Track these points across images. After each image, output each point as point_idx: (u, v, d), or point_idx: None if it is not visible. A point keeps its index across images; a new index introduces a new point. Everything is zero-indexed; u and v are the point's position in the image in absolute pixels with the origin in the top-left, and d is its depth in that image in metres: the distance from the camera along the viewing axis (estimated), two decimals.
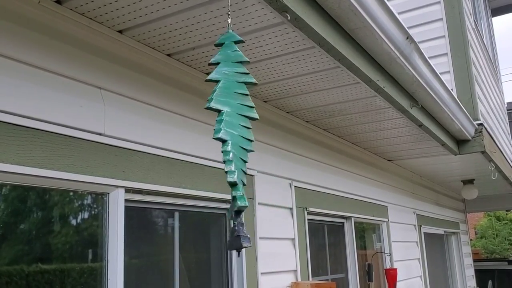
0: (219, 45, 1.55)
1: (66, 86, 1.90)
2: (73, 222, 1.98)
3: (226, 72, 1.50)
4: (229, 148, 1.38)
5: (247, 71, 1.54)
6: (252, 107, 1.51)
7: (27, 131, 1.73)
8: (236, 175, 1.36)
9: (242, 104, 1.49)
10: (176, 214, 2.51)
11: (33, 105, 1.76)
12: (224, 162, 1.38)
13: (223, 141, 1.39)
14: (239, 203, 1.35)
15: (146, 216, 2.38)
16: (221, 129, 1.39)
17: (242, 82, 1.52)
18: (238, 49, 1.54)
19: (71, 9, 1.95)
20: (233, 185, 1.37)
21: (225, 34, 1.56)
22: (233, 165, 1.37)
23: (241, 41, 1.55)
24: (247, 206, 1.37)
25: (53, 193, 1.90)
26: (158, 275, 2.40)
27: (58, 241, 1.91)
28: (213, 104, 1.42)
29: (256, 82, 1.54)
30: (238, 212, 1.37)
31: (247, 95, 1.51)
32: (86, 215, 2.03)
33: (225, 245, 1.44)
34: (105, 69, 2.08)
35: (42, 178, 1.77)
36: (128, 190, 2.13)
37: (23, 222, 1.80)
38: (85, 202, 2.04)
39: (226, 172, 1.37)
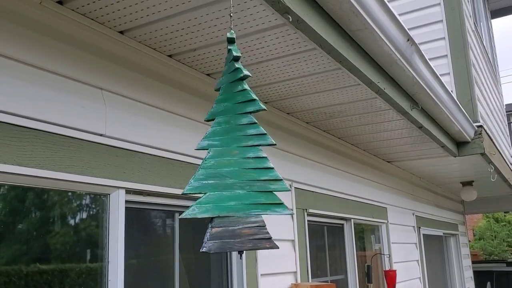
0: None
1: (67, 87, 1.90)
2: (74, 223, 1.97)
3: (224, 77, 1.50)
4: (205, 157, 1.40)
5: (238, 66, 1.49)
6: (253, 100, 1.47)
7: (28, 132, 1.73)
8: (186, 189, 1.37)
9: (241, 102, 1.47)
10: (177, 215, 2.50)
11: (34, 105, 1.76)
12: None
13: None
14: (286, 211, 1.36)
15: (147, 217, 2.38)
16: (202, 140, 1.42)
17: (237, 80, 1.50)
18: (231, 48, 1.51)
19: (72, 10, 1.95)
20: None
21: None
22: (193, 176, 1.38)
23: (232, 40, 1.52)
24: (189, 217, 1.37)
25: (54, 193, 1.90)
26: (158, 276, 2.40)
27: (59, 242, 1.91)
28: (207, 117, 1.44)
29: (249, 74, 1.49)
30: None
31: (245, 90, 1.48)
32: (86, 216, 2.02)
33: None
34: (106, 70, 2.08)
35: (42, 179, 1.77)
36: (128, 191, 2.12)
37: (23, 222, 1.79)
38: (86, 203, 2.03)
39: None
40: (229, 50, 1.50)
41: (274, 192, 1.40)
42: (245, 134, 1.44)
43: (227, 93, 1.48)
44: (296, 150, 3.60)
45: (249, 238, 1.36)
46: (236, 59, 1.49)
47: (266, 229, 1.36)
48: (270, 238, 1.35)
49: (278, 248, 1.35)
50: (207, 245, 1.36)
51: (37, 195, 1.85)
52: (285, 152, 3.45)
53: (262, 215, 1.39)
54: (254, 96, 1.47)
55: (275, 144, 1.46)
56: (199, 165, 2.51)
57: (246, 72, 1.47)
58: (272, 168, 1.42)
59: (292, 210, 1.37)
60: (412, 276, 5.80)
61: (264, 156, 1.43)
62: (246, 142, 1.44)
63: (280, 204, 1.39)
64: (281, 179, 1.41)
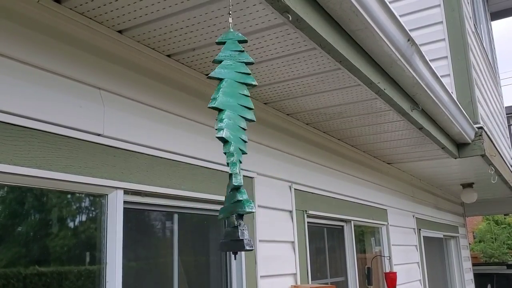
0: (221, 43, 1.52)
1: (65, 86, 1.88)
2: (71, 224, 1.95)
3: (229, 71, 1.48)
4: (232, 149, 1.36)
5: (249, 72, 1.51)
6: (251, 108, 1.48)
7: (25, 131, 1.71)
8: (241, 178, 1.35)
9: (242, 106, 1.47)
10: (175, 216, 2.49)
11: (31, 105, 1.74)
12: (228, 164, 1.36)
13: (225, 142, 1.37)
14: (247, 208, 1.33)
15: (145, 218, 2.36)
16: (223, 128, 1.37)
17: (243, 83, 1.50)
18: (242, 48, 1.52)
19: (70, 9, 1.93)
20: (238, 188, 1.35)
21: (227, 33, 1.54)
22: (238, 167, 1.35)
23: (245, 41, 1.53)
24: (253, 212, 1.36)
25: (51, 194, 1.88)
26: (157, 278, 2.37)
27: (56, 243, 1.89)
28: (217, 104, 1.40)
29: (256, 83, 1.51)
30: (241, 215, 1.36)
31: (247, 96, 1.49)
32: (84, 217, 2.00)
33: (220, 246, 1.41)
34: (104, 69, 2.06)
35: (40, 179, 1.75)
36: (127, 191, 2.11)
37: (20, 224, 1.77)
38: (84, 203, 2.01)
39: (231, 175, 1.35)
40: (242, 51, 1.51)
41: (242, 189, 1.39)
42: (241, 104, 1.46)
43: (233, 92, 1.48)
44: (296, 151, 3.58)
45: (231, 239, 1.36)
46: (249, 64, 1.51)
47: (237, 230, 1.36)
48: (241, 240, 1.34)
49: (246, 250, 1.36)
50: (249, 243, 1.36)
51: (34, 196, 1.83)
52: (285, 153, 3.43)
53: (243, 215, 1.39)
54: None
55: (254, 121, 1.49)
56: (197, 165, 2.50)
57: (254, 82, 1.52)
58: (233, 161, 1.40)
59: (253, 207, 1.35)
60: (412, 278, 5.78)
61: (246, 128, 1.46)
62: (241, 112, 1.47)
63: (242, 201, 1.37)
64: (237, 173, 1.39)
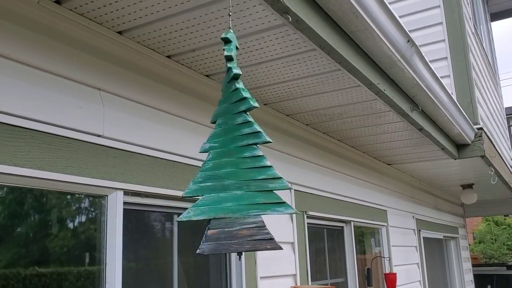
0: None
1: (64, 87, 1.88)
2: (71, 224, 1.95)
3: (224, 78, 1.49)
4: (207, 157, 1.39)
5: (229, 66, 1.46)
6: (244, 98, 1.43)
7: (25, 132, 1.71)
8: (185, 192, 1.37)
9: (234, 102, 1.45)
10: (175, 217, 2.49)
11: (31, 105, 1.74)
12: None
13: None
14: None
15: (145, 219, 2.36)
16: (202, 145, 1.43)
17: (231, 79, 1.48)
18: (224, 48, 1.49)
19: (70, 10, 1.93)
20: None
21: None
22: (191, 182, 1.39)
23: (226, 39, 1.49)
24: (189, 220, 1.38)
25: (51, 195, 1.88)
26: (157, 278, 2.38)
27: (56, 244, 1.89)
28: (211, 120, 1.47)
29: (238, 72, 1.45)
30: (209, 220, 1.37)
31: (237, 89, 1.44)
32: (84, 217, 2.00)
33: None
34: (104, 70, 2.06)
35: (39, 179, 1.75)
36: (126, 192, 2.11)
37: (20, 225, 1.77)
38: (83, 204, 2.01)
39: None
40: (224, 51, 1.48)
41: (274, 191, 1.36)
42: (241, 134, 1.42)
43: (225, 94, 1.47)
44: (296, 152, 3.58)
45: (248, 239, 1.34)
46: (228, 58, 1.47)
47: (266, 229, 1.34)
48: (271, 238, 1.33)
49: (281, 249, 1.32)
50: (202, 247, 1.34)
51: (34, 197, 1.83)
52: (285, 154, 3.43)
53: (262, 216, 1.36)
54: (245, 94, 1.44)
55: (271, 142, 1.41)
56: (197, 166, 2.50)
57: (236, 71, 1.44)
58: (270, 166, 1.38)
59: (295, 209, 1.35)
60: (412, 279, 5.78)
61: (260, 154, 1.39)
62: (242, 141, 1.42)
63: (282, 203, 1.34)
64: (280, 177, 1.36)
